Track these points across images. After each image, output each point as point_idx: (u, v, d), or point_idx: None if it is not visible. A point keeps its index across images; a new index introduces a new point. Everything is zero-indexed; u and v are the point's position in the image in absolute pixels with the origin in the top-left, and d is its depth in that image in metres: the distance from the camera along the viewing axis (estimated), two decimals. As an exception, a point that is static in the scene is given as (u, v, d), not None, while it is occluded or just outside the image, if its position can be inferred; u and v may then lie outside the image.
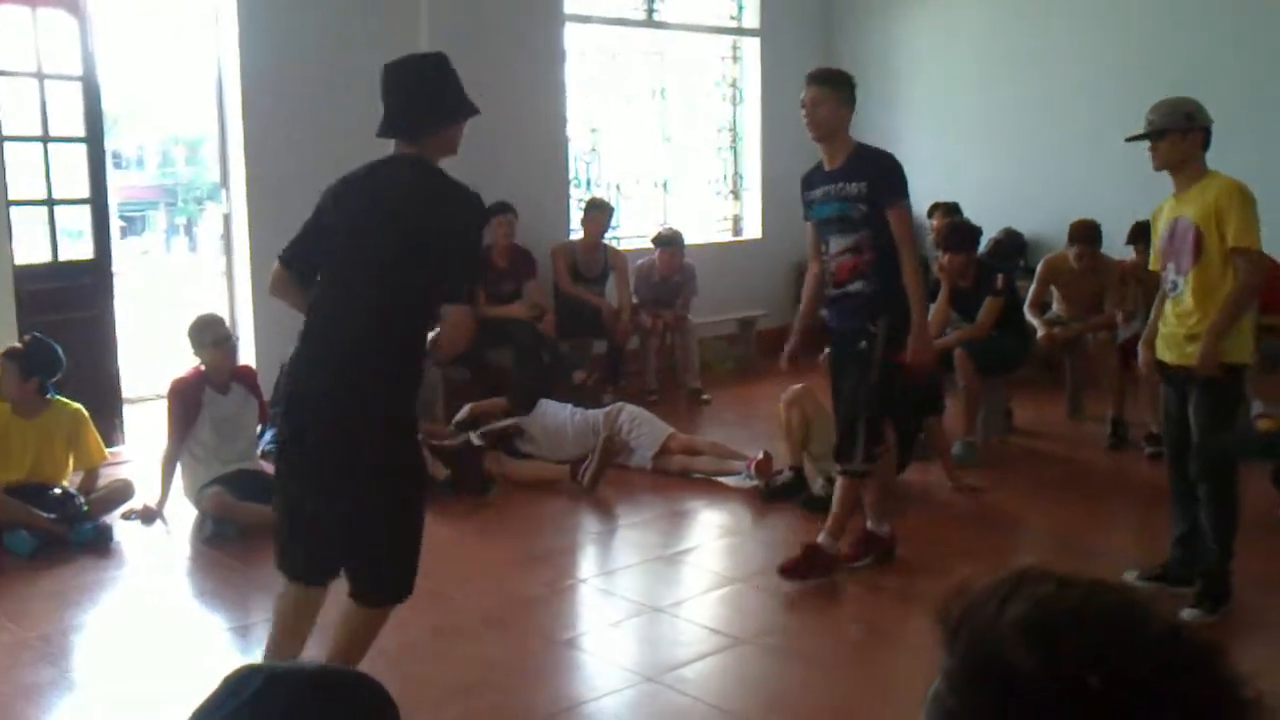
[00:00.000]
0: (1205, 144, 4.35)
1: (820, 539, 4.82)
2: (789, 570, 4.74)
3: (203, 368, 5.69)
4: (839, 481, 4.90)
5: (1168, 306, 4.45)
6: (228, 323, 6.01)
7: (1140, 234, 6.65)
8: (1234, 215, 4.19)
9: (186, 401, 5.61)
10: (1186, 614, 4.15)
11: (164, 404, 5.75)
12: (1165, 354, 4.46)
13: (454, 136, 3.47)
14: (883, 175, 4.88)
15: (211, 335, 5.66)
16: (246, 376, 5.93)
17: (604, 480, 6.13)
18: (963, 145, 9.40)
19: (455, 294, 3.28)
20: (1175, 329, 4.39)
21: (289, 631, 3.47)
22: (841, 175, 5.01)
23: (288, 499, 3.40)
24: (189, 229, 26.58)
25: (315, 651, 3.52)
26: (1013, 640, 0.82)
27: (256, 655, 4.23)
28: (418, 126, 3.37)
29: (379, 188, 3.39)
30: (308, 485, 3.35)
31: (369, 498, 3.30)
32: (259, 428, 6.17)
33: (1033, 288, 7.22)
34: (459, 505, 5.92)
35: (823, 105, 5.08)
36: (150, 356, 9.05)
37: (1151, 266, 4.67)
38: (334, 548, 3.37)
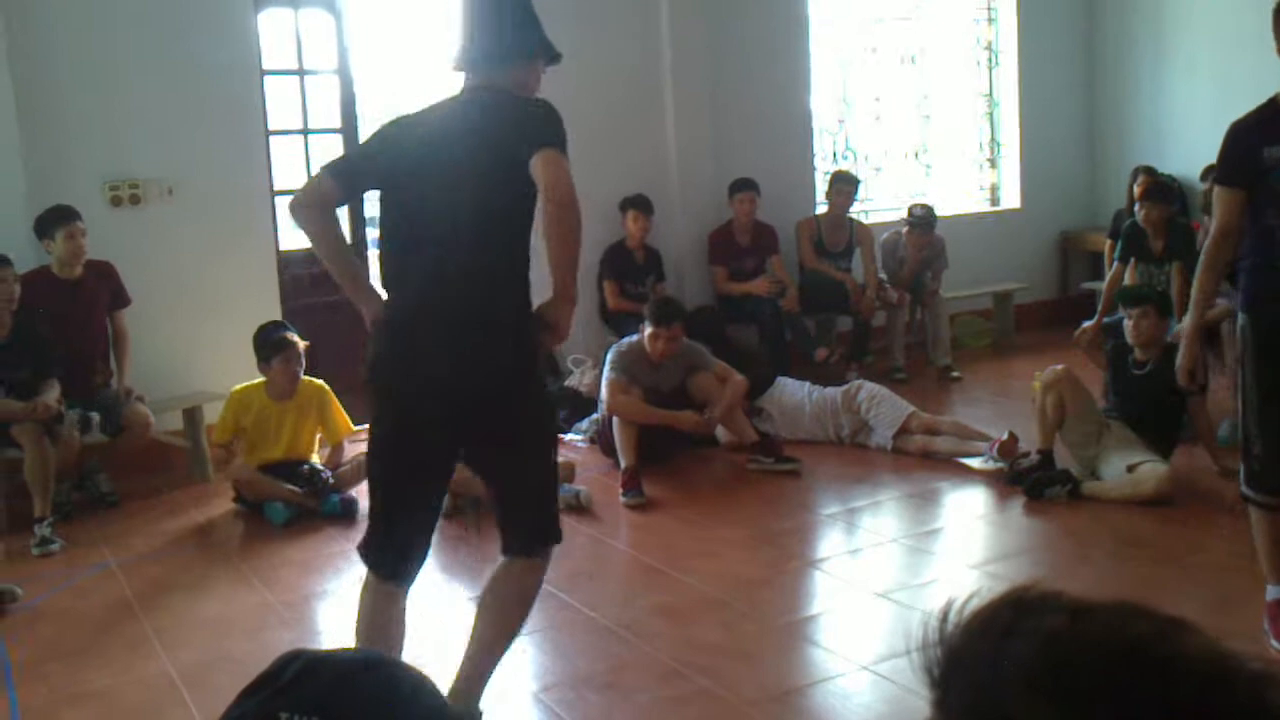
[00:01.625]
0: None
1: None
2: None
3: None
4: None
5: None
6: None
7: None
8: None
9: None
10: None
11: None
12: None
13: (530, 78, 3.19)
14: None
15: None
16: None
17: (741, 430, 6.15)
18: (1241, 104, 8.64)
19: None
20: None
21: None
22: None
23: (399, 491, 3.21)
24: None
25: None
26: (1022, 696, 0.66)
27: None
28: (498, 60, 3.12)
29: (464, 123, 3.09)
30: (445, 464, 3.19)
31: (534, 451, 3.19)
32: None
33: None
34: (689, 480, 5.92)
35: None
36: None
37: None
38: (427, 540, 3.24)
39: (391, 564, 3.23)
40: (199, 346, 6.62)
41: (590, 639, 4.13)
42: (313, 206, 3.16)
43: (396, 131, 3.17)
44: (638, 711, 3.58)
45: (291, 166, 7.01)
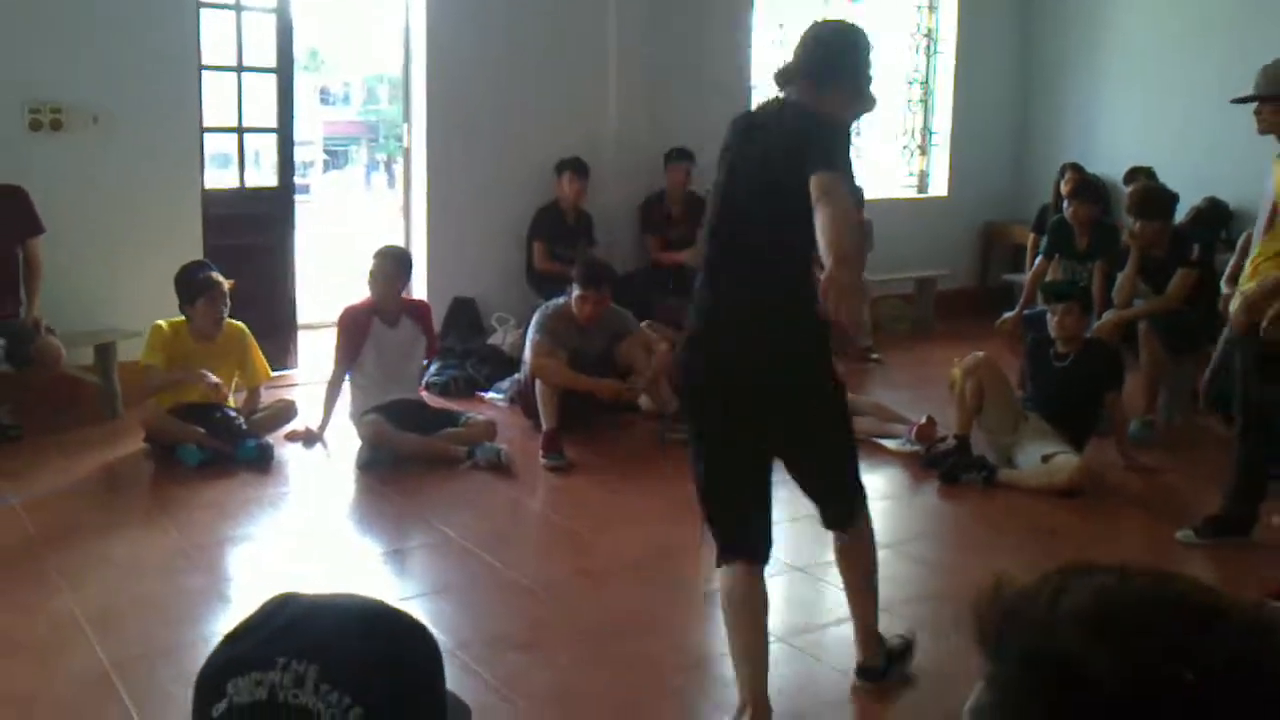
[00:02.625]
0: None
1: None
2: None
3: (372, 298, 5.80)
4: None
5: None
6: (407, 255, 6.08)
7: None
8: None
9: (353, 330, 5.73)
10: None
11: (335, 331, 5.90)
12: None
13: (844, 109, 3.19)
14: None
15: (377, 265, 5.77)
16: (419, 311, 6.02)
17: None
18: (1166, 106, 8.85)
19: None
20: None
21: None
22: None
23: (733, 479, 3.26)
24: (389, 165, 27.31)
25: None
26: (1077, 635, 0.70)
27: (405, 580, 4.34)
28: (826, 80, 3.15)
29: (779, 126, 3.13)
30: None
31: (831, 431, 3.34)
32: (425, 362, 6.28)
33: (1232, 260, 6.73)
34: (610, 445, 5.93)
35: None
36: (332, 285, 9.32)
37: None
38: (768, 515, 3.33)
39: (760, 549, 3.30)
40: (116, 281, 6.45)
41: (509, 598, 4.12)
42: None
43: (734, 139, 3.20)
44: (556, 672, 3.58)
45: (224, 104, 6.84)
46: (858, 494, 3.46)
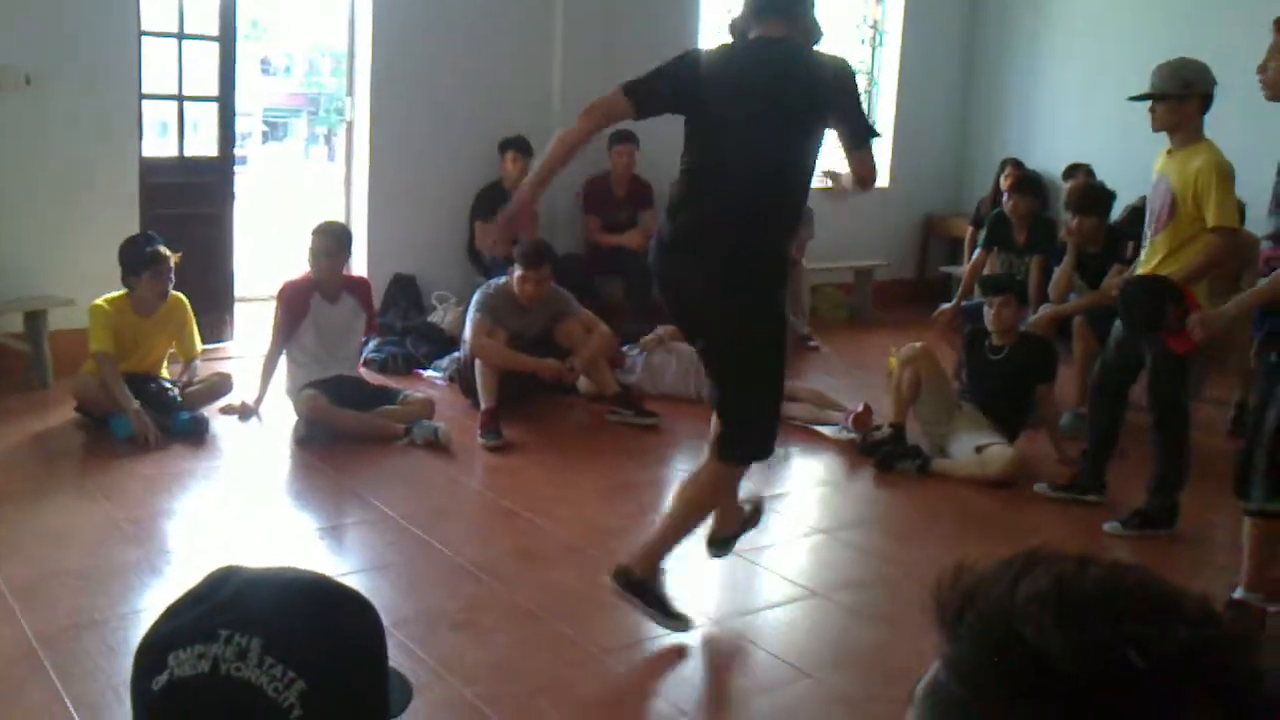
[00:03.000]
0: (1203, 110, 4.56)
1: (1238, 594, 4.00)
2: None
3: (313, 274, 5.74)
4: (1246, 525, 4.00)
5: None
6: (347, 231, 6.01)
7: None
8: (1213, 194, 4.39)
9: (293, 306, 5.67)
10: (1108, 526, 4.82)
11: (273, 305, 5.83)
12: None
13: (810, 40, 3.56)
14: None
15: (317, 243, 5.70)
16: (359, 288, 5.97)
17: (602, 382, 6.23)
18: (1104, 105, 8.97)
19: (862, 135, 3.50)
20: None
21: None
22: None
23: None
24: (328, 138, 26.97)
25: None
26: (1035, 617, 0.72)
27: (342, 557, 4.32)
28: (797, 13, 3.51)
29: (769, 59, 3.49)
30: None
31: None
32: (364, 339, 6.23)
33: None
34: (549, 426, 5.93)
35: None
36: (269, 258, 9.20)
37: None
38: None
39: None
40: (48, 248, 6.32)
41: (446, 577, 4.11)
42: (595, 118, 3.55)
43: (698, 65, 3.52)
44: (492, 651, 3.57)
45: (164, 71, 6.72)
46: (728, 430, 3.63)
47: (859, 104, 3.59)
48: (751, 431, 3.64)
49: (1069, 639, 0.71)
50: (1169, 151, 4.65)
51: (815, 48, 3.51)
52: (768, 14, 3.49)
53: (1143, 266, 4.72)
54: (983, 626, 0.74)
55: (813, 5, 3.57)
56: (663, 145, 8.10)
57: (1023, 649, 0.72)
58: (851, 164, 3.55)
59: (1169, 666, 0.69)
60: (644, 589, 3.67)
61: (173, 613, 1.11)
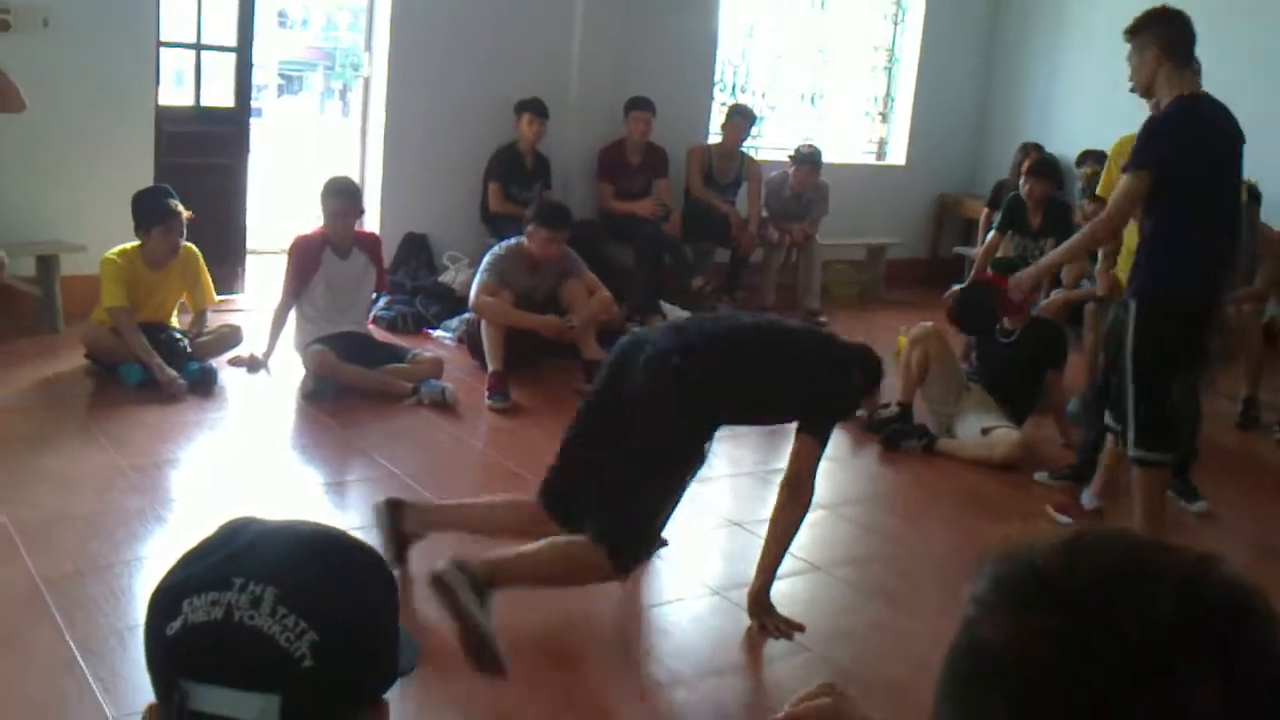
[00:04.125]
0: None
1: None
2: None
3: (326, 231, 5.74)
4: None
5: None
6: (359, 190, 5.99)
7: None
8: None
9: (304, 260, 5.67)
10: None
11: (284, 259, 5.83)
12: None
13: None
14: None
15: (332, 204, 5.68)
16: (370, 244, 5.96)
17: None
18: (1121, 94, 8.89)
19: None
20: None
21: None
22: None
23: None
24: (344, 94, 26.84)
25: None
26: (1049, 556, 0.77)
27: (345, 513, 4.32)
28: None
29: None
30: None
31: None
32: (374, 295, 6.23)
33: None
34: (556, 390, 5.93)
35: None
36: (281, 212, 9.19)
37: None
38: None
39: None
40: (61, 193, 6.32)
41: (448, 537, 4.09)
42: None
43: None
44: (497, 612, 3.58)
45: (182, 19, 6.69)
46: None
47: None
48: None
49: (1076, 576, 0.75)
50: None
51: None
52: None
53: None
54: (1000, 571, 0.78)
55: None
56: (678, 113, 8.11)
57: (1038, 577, 0.76)
58: None
59: (1159, 629, 0.71)
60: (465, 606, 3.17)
61: (188, 559, 1.11)
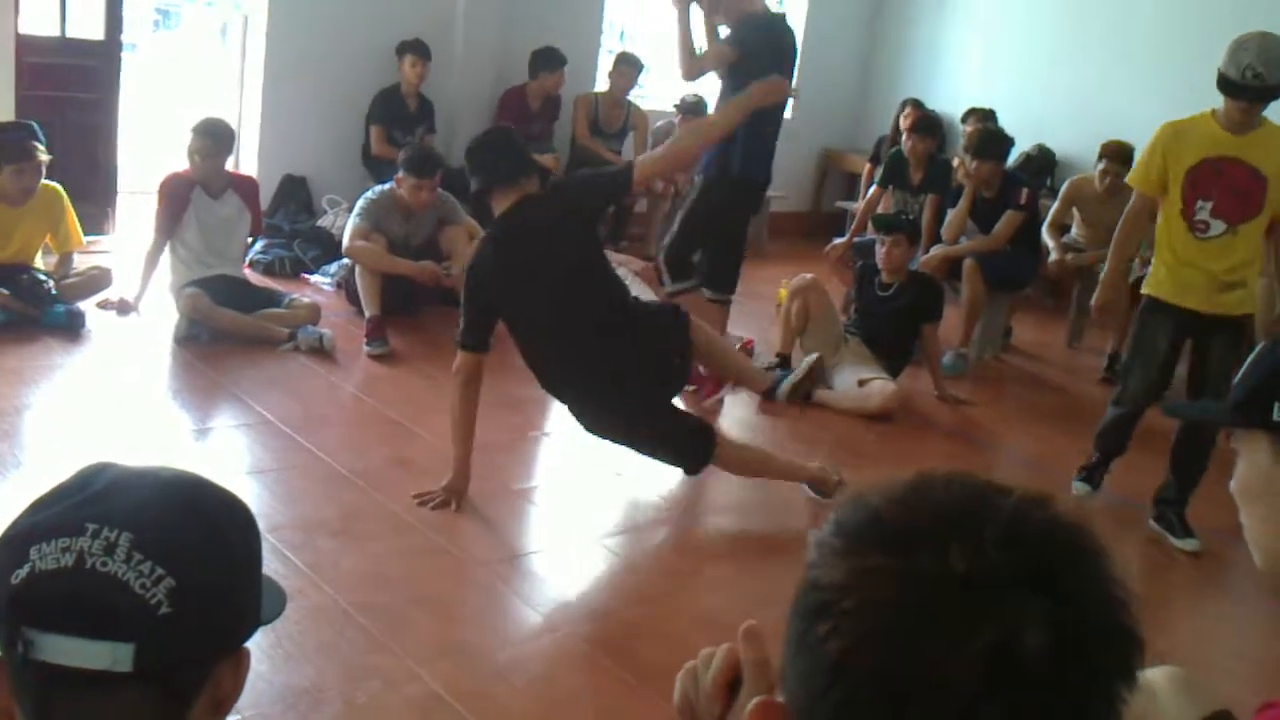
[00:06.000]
0: None
1: None
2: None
3: (191, 172, 5.57)
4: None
5: (1188, 245, 4.24)
6: (228, 130, 5.79)
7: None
8: None
9: (173, 200, 5.51)
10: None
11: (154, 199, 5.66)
12: (1182, 297, 4.27)
13: None
14: None
15: (196, 143, 5.52)
16: (245, 186, 5.80)
17: None
18: (1008, 52, 9.10)
19: None
20: (1206, 273, 4.20)
21: None
22: None
23: None
24: (223, 31, 26.04)
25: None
26: (888, 496, 0.79)
27: (217, 460, 4.23)
28: None
29: None
30: None
31: None
32: (250, 239, 6.09)
33: (1054, 207, 7.06)
34: (436, 337, 5.87)
35: None
36: (156, 150, 8.89)
37: (1140, 185, 4.38)
38: None
39: None
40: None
41: (323, 484, 4.06)
42: None
43: None
44: (368, 559, 3.56)
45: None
46: None
47: None
48: None
49: (906, 508, 0.77)
50: (1227, 131, 4.12)
51: None
52: None
53: (1205, 254, 4.22)
54: (844, 514, 0.81)
55: None
56: (568, 62, 8.04)
57: (870, 513, 0.78)
58: None
59: (986, 566, 0.72)
60: None
61: (38, 505, 1.07)
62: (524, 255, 3.91)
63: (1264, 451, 1.42)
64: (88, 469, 1.10)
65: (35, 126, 5.41)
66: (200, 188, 5.55)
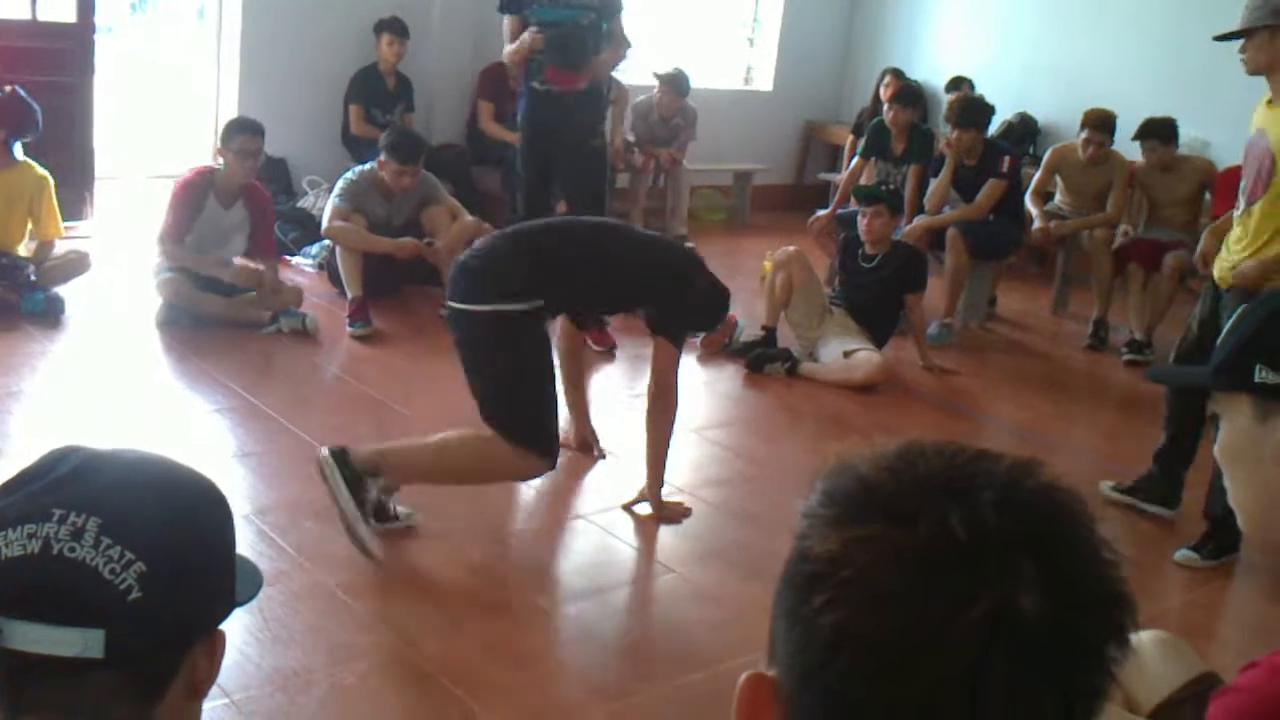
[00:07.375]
0: None
1: None
2: None
3: (211, 168, 5.52)
4: None
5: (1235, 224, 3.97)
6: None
7: (1151, 132, 6.44)
8: None
9: (189, 207, 5.43)
10: (1180, 555, 3.97)
11: (146, 191, 5.59)
12: (1218, 269, 4.02)
13: None
14: None
15: (240, 141, 5.45)
16: (256, 198, 5.69)
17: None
18: (989, 20, 9.06)
19: None
20: (1226, 252, 3.96)
21: None
22: None
23: None
24: (200, 12, 25.85)
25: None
26: (874, 463, 0.78)
27: (203, 444, 4.21)
28: None
29: None
30: None
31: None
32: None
33: (1037, 175, 7.05)
34: (419, 317, 5.85)
35: None
36: (131, 134, 8.84)
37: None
38: None
39: None
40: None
41: (309, 467, 4.01)
42: None
43: None
44: (353, 541, 3.54)
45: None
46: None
47: None
48: None
49: (895, 475, 0.76)
50: (1269, 102, 3.80)
51: None
52: None
53: (1238, 245, 3.91)
54: (830, 471, 0.80)
55: None
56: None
57: (858, 480, 0.77)
58: None
59: (981, 531, 0.72)
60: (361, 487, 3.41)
61: (4, 491, 1.06)
62: None
63: (1245, 414, 1.42)
64: (53, 452, 1.09)
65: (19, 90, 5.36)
66: (214, 195, 5.49)
